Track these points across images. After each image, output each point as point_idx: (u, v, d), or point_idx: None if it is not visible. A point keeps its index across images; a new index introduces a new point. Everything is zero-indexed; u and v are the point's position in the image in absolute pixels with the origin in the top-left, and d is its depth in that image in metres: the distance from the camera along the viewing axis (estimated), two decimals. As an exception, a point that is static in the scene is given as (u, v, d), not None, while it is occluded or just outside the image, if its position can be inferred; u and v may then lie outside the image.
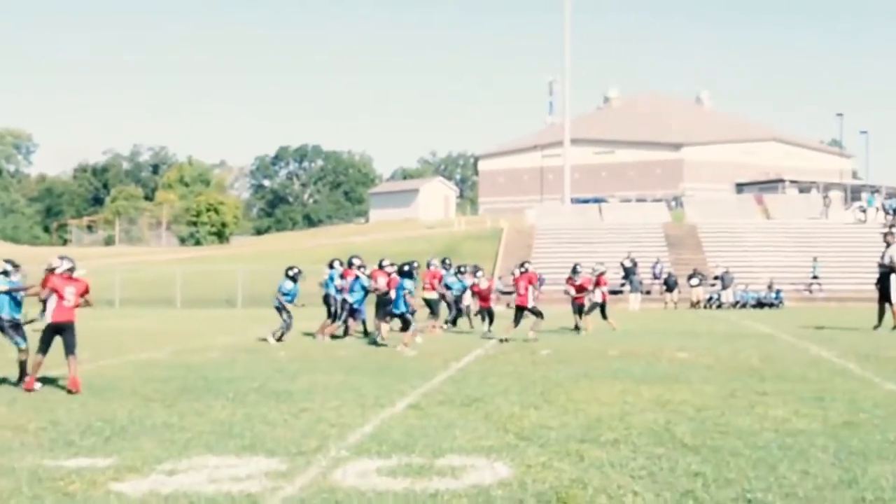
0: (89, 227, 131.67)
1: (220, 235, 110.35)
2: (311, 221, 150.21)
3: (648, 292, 46.86)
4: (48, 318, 12.53)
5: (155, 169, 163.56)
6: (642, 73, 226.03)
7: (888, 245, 23.19)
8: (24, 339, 13.18)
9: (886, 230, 25.05)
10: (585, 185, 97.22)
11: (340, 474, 7.03)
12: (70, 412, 10.22)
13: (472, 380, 13.01)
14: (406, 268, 19.82)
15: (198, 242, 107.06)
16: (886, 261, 22.91)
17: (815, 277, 47.83)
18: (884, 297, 22.77)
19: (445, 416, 9.68)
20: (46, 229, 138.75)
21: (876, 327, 22.42)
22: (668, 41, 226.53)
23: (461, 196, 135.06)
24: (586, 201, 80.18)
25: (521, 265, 21.61)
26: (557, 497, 6.41)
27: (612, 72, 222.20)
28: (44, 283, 12.80)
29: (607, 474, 7.02)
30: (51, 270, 12.74)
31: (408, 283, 19.49)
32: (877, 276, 23.29)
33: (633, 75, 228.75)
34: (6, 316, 13.35)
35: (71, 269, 12.83)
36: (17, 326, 13.40)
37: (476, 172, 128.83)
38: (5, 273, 13.73)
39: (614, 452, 7.80)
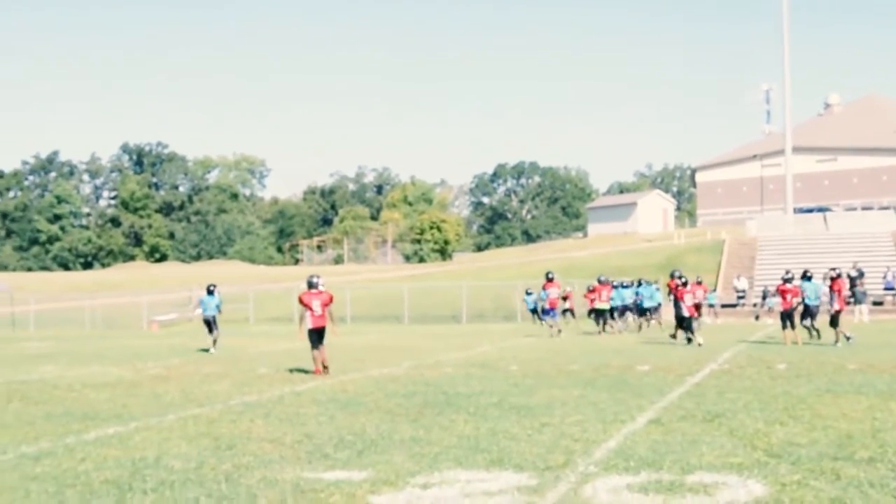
0: (319, 247, 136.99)
1: (443, 252, 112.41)
2: (529, 237, 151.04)
3: (881, 303, 44.68)
4: (308, 325, 17.37)
5: (379, 189, 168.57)
6: (863, 78, 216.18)
7: None
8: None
9: None
10: (808, 195, 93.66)
11: (591, 490, 7.03)
12: (321, 425, 10.65)
13: (710, 395, 12.80)
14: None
15: (422, 260, 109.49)
16: None
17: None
18: None
19: (689, 432, 9.56)
20: (280, 249, 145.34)
21: None
22: (889, 44, 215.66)
23: (678, 208, 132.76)
24: (809, 211, 77.30)
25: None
26: (818, 517, 6.24)
27: (830, 77, 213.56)
28: (299, 300, 17.73)
29: (868, 495, 6.76)
30: (310, 286, 17.56)
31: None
32: None
33: (853, 80, 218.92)
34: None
35: (315, 285, 17.54)
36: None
37: (693, 184, 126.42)
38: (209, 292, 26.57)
39: (872, 471, 7.51)
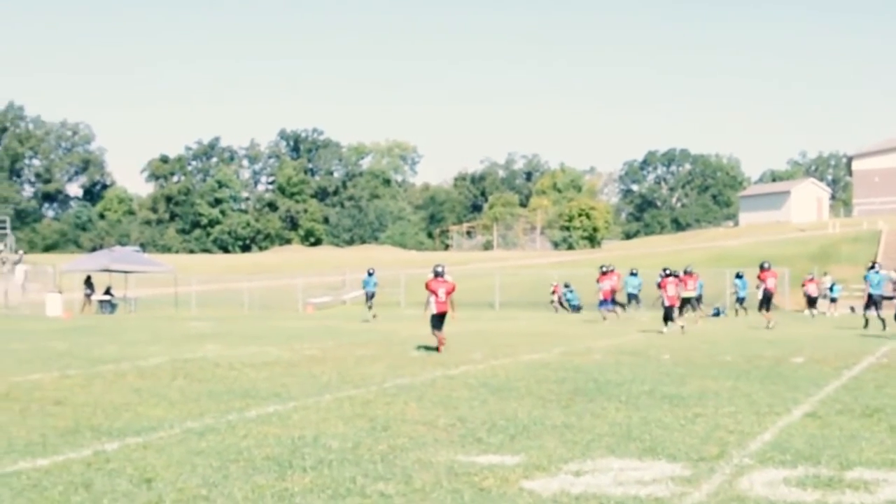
0: (468, 233, 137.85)
1: (592, 240, 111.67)
2: (679, 225, 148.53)
3: None
4: (433, 310, 18.90)
5: (528, 176, 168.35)
6: None
7: None
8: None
9: None
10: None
11: (747, 482, 6.95)
12: (473, 409, 10.79)
13: (868, 389, 12.47)
14: None
15: (570, 247, 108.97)
16: None
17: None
18: None
19: (847, 427, 9.35)
20: (430, 235, 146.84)
21: None
22: None
23: (833, 197, 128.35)
24: (973, 200, 73.84)
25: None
26: None
27: None
28: (426, 286, 19.29)
29: None
30: (437, 275, 19.24)
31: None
32: None
33: None
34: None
35: (440, 274, 19.17)
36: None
37: (849, 173, 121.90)
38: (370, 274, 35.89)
39: None
